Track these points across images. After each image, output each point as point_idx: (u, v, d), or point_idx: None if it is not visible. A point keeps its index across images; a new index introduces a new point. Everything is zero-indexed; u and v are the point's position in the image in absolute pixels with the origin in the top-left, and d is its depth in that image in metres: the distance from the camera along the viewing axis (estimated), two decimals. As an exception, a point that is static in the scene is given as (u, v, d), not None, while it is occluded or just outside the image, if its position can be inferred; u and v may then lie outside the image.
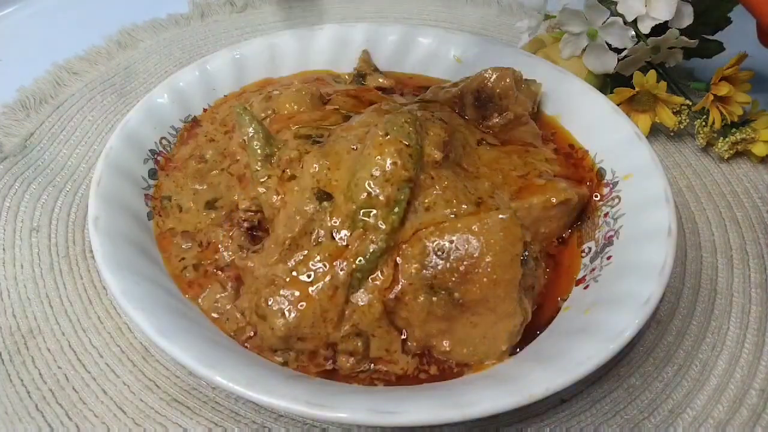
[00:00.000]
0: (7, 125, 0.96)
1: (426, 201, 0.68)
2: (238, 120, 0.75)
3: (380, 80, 0.94)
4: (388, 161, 0.65)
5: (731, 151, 0.95)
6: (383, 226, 0.64)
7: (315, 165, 0.69)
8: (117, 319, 0.74)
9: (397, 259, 0.65)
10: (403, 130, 0.67)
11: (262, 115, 0.82)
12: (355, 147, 0.69)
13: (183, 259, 0.71)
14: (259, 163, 0.72)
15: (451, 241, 0.63)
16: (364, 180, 0.65)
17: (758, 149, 0.95)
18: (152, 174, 0.79)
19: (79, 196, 0.88)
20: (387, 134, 0.67)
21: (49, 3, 1.25)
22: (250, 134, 0.73)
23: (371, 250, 0.64)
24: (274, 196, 0.69)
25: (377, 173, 0.65)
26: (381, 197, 0.65)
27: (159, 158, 0.81)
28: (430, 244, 0.64)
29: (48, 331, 0.72)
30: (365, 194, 0.65)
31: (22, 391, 0.67)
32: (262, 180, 0.71)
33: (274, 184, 0.70)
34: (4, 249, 0.80)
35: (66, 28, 1.18)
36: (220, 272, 0.70)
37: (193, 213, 0.75)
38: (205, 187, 0.78)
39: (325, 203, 0.66)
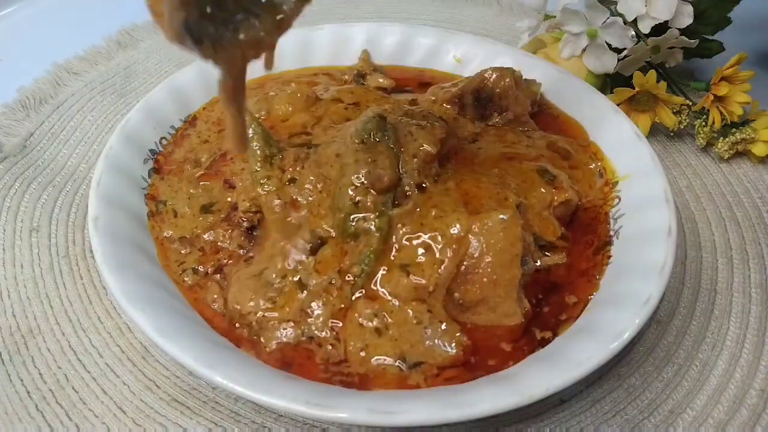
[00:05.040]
0: (7, 125, 0.96)
1: (423, 201, 0.68)
2: None
3: (380, 80, 0.94)
4: (363, 169, 0.67)
5: (731, 151, 0.95)
6: (373, 228, 0.65)
7: (311, 177, 0.70)
8: (117, 319, 0.74)
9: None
10: (374, 134, 0.69)
11: (256, 116, 0.82)
12: (339, 153, 0.70)
13: (183, 263, 0.71)
14: (259, 164, 0.72)
15: (451, 240, 0.63)
16: (347, 187, 0.67)
17: (758, 149, 0.95)
18: (152, 174, 0.79)
19: (79, 196, 0.88)
20: (362, 141, 0.68)
21: (49, 3, 1.25)
22: (250, 135, 0.73)
23: (367, 254, 0.64)
24: (275, 200, 0.70)
25: (357, 181, 0.66)
26: (368, 203, 0.66)
27: (159, 158, 0.81)
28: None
29: (48, 331, 0.72)
30: (350, 202, 0.66)
31: (22, 391, 0.67)
32: (262, 181, 0.71)
33: (275, 185, 0.70)
34: (4, 249, 0.80)
35: (66, 28, 1.18)
36: (217, 275, 0.70)
37: (189, 218, 0.74)
38: (200, 191, 0.77)
39: (312, 258, 0.67)
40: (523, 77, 0.89)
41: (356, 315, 0.63)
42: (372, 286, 0.65)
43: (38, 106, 1.00)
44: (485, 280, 0.62)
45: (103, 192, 0.70)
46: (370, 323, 0.62)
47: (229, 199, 0.75)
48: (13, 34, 1.18)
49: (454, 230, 0.64)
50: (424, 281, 0.63)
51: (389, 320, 0.62)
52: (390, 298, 0.64)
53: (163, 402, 0.66)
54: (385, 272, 0.65)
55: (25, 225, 0.82)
